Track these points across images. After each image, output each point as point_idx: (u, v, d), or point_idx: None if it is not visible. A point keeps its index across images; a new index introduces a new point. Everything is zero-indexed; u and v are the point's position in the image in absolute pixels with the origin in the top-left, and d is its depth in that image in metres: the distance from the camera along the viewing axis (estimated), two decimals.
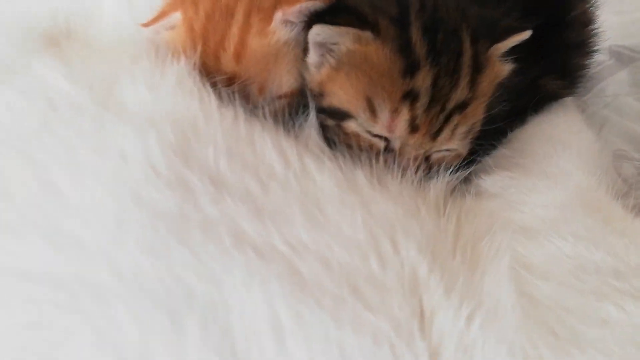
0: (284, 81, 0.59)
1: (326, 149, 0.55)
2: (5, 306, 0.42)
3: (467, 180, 0.63)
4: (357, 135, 0.53)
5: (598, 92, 0.89)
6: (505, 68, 0.54)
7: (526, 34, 0.53)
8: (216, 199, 0.44)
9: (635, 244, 0.51)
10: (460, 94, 0.50)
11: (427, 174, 0.55)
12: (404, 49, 0.49)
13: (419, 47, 0.49)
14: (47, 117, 0.48)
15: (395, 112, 0.50)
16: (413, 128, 0.51)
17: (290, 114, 0.59)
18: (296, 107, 0.60)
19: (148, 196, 0.42)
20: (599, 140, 0.77)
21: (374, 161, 0.53)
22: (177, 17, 0.62)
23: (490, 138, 0.63)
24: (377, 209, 0.50)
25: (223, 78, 0.59)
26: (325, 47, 0.53)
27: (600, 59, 0.92)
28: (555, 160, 0.61)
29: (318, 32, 0.52)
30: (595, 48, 0.76)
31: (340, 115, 0.53)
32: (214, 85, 0.59)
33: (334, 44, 0.53)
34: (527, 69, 0.64)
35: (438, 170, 0.56)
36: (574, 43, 0.71)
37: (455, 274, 0.46)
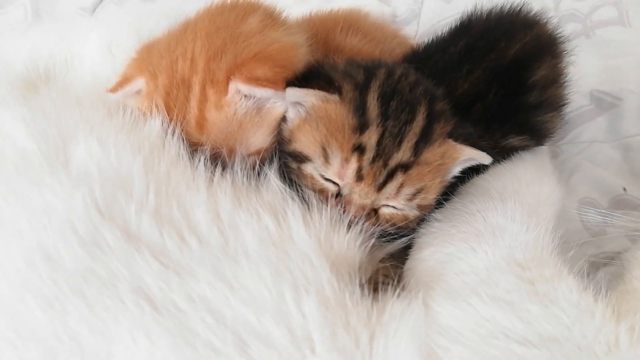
0: (251, 142, 0.63)
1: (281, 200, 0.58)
2: None
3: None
4: (312, 178, 0.60)
5: (574, 138, 0.87)
6: (460, 155, 0.59)
7: (483, 158, 0.60)
8: (126, 256, 0.48)
9: (551, 310, 0.51)
10: (402, 155, 0.56)
11: (377, 226, 0.60)
12: (359, 109, 0.57)
13: (372, 109, 0.57)
14: None
15: (345, 160, 0.57)
16: (359, 177, 0.57)
17: (262, 166, 0.63)
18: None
19: (57, 254, 0.47)
20: (566, 187, 0.76)
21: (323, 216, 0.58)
22: (140, 84, 0.64)
23: None
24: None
25: (194, 142, 0.62)
26: (298, 103, 0.62)
27: (579, 103, 0.91)
28: (491, 216, 0.61)
29: (291, 94, 0.61)
30: (562, 103, 0.74)
31: (301, 159, 0.61)
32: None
33: (304, 101, 0.61)
34: (489, 133, 0.67)
35: (389, 232, 0.60)
36: (535, 104, 0.70)
37: (353, 340, 0.47)
